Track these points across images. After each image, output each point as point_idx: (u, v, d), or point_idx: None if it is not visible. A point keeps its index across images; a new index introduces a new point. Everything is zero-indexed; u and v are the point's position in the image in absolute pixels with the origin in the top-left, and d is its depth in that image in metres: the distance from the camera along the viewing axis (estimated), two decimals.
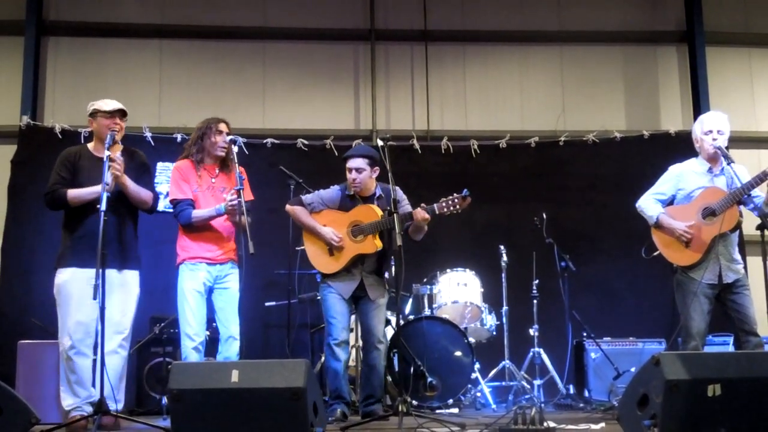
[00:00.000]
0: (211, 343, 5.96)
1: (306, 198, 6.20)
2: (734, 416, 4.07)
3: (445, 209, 5.55)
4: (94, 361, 5.49)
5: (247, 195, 5.94)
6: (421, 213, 5.59)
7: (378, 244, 5.87)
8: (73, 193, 5.51)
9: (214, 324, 5.93)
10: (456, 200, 5.52)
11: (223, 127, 5.94)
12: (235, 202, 5.53)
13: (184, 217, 5.80)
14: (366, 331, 6.05)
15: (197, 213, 5.79)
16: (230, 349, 5.71)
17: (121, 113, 5.67)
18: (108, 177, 5.18)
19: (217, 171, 5.96)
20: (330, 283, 6.02)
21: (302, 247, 6.26)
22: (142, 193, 5.63)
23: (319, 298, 7.31)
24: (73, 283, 5.45)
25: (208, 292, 5.83)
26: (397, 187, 5.80)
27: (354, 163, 6.01)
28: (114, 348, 5.49)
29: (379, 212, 5.87)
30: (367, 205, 6.00)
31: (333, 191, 6.19)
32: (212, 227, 5.82)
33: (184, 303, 5.76)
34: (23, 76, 8.98)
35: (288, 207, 6.18)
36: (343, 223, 6.00)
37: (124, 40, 9.44)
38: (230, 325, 5.73)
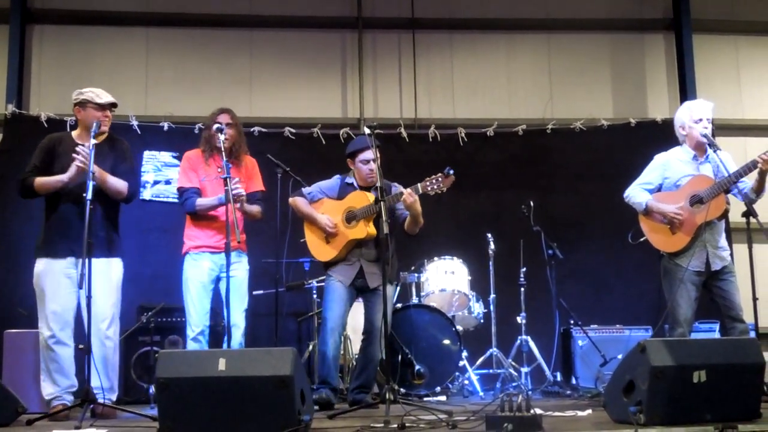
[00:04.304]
0: (213, 334, 5.96)
1: (305, 189, 6.26)
2: (719, 402, 4.09)
3: (429, 188, 5.53)
4: (77, 349, 5.50)
5: (257, 185, 6.10)
6: (406, 194, 5.59)
7: (370, 230, 5.87)
8: (40, 180, 5.50)
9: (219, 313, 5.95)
10: (439, 178, 5.50)
11: (222, 118, 5.92)
12: (237, 190, 5.56)
13: (189, 205, 5.90)
14: (368, 322, 6.05)
15: (201, 201, 5.87)
16: (234, 338, 5.73)
17: (113, 105, 5.65)
18: (85, 162, 5.15)
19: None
20: (331, 272, 6.06)
21: (304, 239, 6.26)
22: (116, 184, 5.56)
23: (307, 286, 7.35)
24: (47, 274, 5.45)
25: (216, 280, 5.87)
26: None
27: (368, 154, 5.97)
28: (99, 336, 5.47)
29: (371, 197, 5.87)
30: (359, 191, 6.02)
31: (333, 180, 6.24)
32: (217, 217, 5.85)
33: (187, 294, 5.84)
34: (8, 64, 8.93)
35: (290, 200, 6.24)
36: (338, 211, 6.03)
37: (110, 28, 9.39)
38: (234, 313, 5.74)
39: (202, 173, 5.96)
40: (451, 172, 5.45)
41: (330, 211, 6.06)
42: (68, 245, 5.40)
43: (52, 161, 5.56)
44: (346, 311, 6.01)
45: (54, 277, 5.40)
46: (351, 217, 5.94)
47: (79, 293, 5.36)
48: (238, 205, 5.58)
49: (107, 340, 5.54)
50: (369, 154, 5.97)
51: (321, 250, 6.11)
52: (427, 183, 5.55)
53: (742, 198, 5.61)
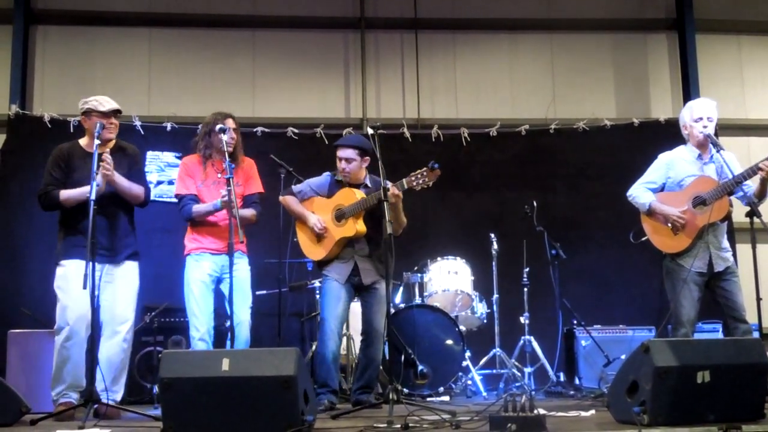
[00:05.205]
0: (217, 334, 5.96)
1: (296, 187, 6.25)
2: (723, 403, 4.09)
3: (414, 182, 5.52)
4: (89, 351, 5.51)
5: (255, 187, 6.09)
6: (391, 189, 5.55)
7: (360, 227, 5.86)
8: (66, 194, 5.51)
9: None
10: (424, 173, 5.48)
11: (229, 122, 5.93)
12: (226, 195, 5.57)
13: (186, 212, 5.91)
14: (366, 323, 6.04)
15: (197, 208, 5.88)
16: (239, 336, 5.73)
17: (116, 112, 5.66)
18: (96, 167, 5.16)
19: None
20: (326, 272, 6.04)
21: (296, 239, 6.26)
22: (134, 188, 5.64)
23: (310, 286, 7.34)
24: (77, 275, 5.41)
25: (217, 282, 5.87)
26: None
27: (344, 153, 6.01)
28: (118, 340, 5.52)
29: (359, 195, 5.87)
30: (348, 188, 6.00)
31: (323, 177, 6.22)
32: (216, 222, 5.86)
33: (189, 294, 5.84)
34: (12, 64, 8.93)
35: (281, 198, 6.24)
36: (328, 209, 6.02)
37: (113, 28, 9.40)
38: (238, 311, 5.74)
39: (199, 179, 5.95)
40: (436, 166, 5.45)
41: (320, 209, 6.05)
42: (100, 248, 5.37)
43: (70, 173, 5.59)
44: (344, 311, 6.00)
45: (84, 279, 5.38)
46: (340, 216, 5.93)
47: (99, 296, 5.34)
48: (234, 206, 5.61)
49: (125, 342, 5.59)
50: (343, 153, 6.01)
51: (312, 250, 6.10)
52: (413, 178, 5.54)
53: (745, 202, 5.59)
